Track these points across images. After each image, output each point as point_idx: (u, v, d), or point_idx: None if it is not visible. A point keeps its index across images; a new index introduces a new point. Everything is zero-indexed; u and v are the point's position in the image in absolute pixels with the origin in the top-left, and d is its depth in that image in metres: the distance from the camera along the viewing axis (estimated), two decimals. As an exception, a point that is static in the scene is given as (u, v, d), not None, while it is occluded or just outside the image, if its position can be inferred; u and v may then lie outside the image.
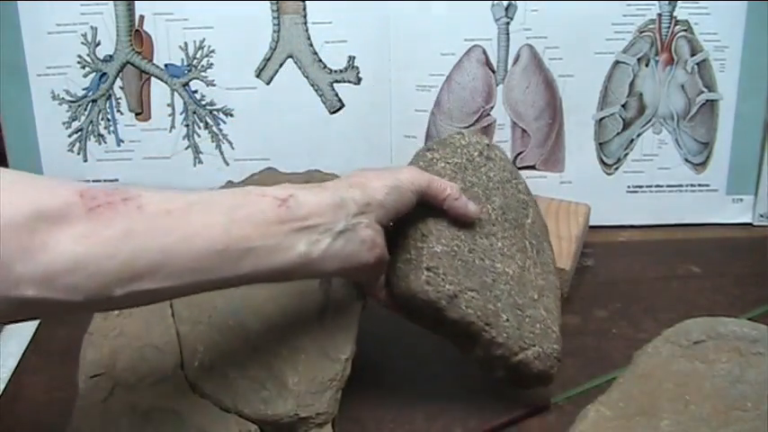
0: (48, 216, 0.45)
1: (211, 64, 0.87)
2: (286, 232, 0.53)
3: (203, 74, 0.88)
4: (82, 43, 0.86)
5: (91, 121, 0.89)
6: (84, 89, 0.88)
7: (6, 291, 0.44)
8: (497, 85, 0.89)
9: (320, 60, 0.88)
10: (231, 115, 0.89)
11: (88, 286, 0.46)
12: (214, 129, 0.90)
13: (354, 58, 0.88)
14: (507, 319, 0.63)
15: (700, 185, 0.93)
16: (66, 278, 0.45)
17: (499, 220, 0.67)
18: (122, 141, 0.90)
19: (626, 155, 0.93)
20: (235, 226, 0.51)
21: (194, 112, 0.89)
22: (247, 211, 0.52)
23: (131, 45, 0.87)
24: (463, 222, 0.64)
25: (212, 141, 0.90)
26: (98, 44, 0.87)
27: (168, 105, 0.89)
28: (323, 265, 0.55)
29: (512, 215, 0.68)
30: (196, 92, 0.88)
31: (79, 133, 0.89)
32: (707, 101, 0.91)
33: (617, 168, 0.93)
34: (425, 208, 0.63)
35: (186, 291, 0.51)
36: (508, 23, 0.87)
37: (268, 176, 0.78)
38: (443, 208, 0.63)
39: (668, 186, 0.93)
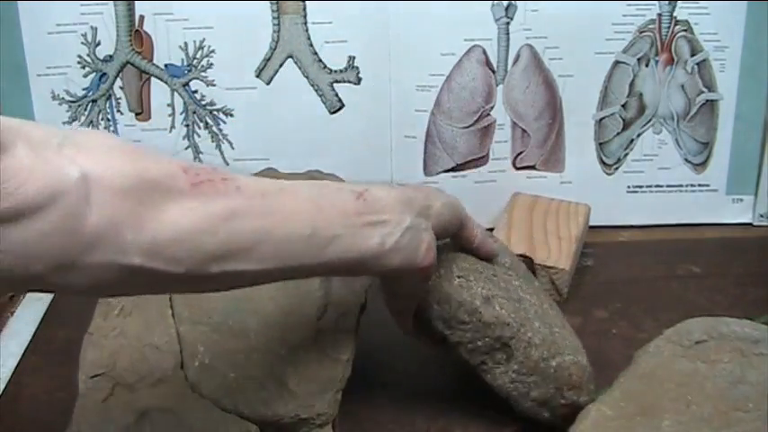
0: (155, 186, 0.45)
1: (211, 64, 0.87)
2: (363, 224, 0.54)
3: (203, 74, 0.88)
4: (82, 43, 0.86)
5: (91, 122, 0.89)
6: (84, 89, 0.88)
7: (114, 257, 0.43)
8: (497, 85, 0.89)
9: (320, 60, 0.88)
10: (231, 115, 0.89)
11: (189, 259, 0.46)
12: (214, 129, 0.89)
13: (354, 58, 0.88)
14: (539, 326, 0.63)
15: (700, 185, 0.94)
16: (170, 250, 0.45)
17: (511, 270, 0.68)
18: (122, 141, 0.90)
19: (626, 155, 0.93)
20: (321, 213, 0.52)
21: (194, 112, 0.89)
22: (330, 201, 0.53)
23: (131, 45, 0.87)
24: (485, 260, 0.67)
25: (212, 141, 0.90)
26: (98, 44, 0.86)
27: (168, 105, 0.89)
28: (389, 259, 0.55)
29: (521, 272, 0.69)
30: (196, 92, 0.88)
31: (79, 133, 0.89)
32: (707, 101, 0.91)
33: (617, 168, 0.93)
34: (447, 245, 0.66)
35: (273, 276, 0.51)
36: (508, 23, 0.87)
37: (269, 176, 0.77)
38: (474, 245, 0.65)
39: (668, 186, 0.93)
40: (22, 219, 0.40)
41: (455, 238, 0.65)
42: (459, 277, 0.63)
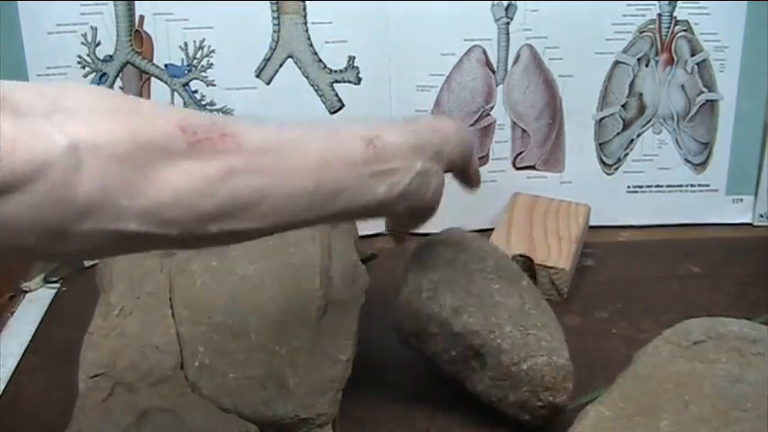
0: (150, 149, 0.43)
1: (211, 64, 0.87)
2: (371, 174, 0.53)
3: (203, 74, 0.88)
4: (82, 43, 0.86)
5: (91, 121, 0.89)
6: (84, 89, 0.88)
7: (107, 224, 0.42)
8: (497, 85, 0.89)
9: (320, 60, 0.88)
10: (231, 115, 0.89)
11: (186, 221, 0.45)
12: (214, 129, 0.89)
13: (354, 58, 0.88)
14: (511, 331, 0.63)
15: (700, 185, 0.94)
16: (166, 213, 0.44)
17: (492, 273, 0.68)
18: (122, 141, 0.90)
19: (626, 155, 0.93)
20: (326, 167, 0.50)
21: (194, 112, 0.89)
22: (338, 153, 0.51)
23: (131, 45, 0.87)
24: (461, 266, 0.67)
25: (212, 141, 0.90)
26: (98, 44, 0.86)
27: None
28: (395, 206, 0.55)
29: (505, 274, 0.68)
30: (196, 92, 0.88)
31: (79, 133, 0.89)
32: (707, 101, 0.91)
33: (617, 168, 0.93)
34: (422, 259, 0.68)
35: (274, 230, 0.50)
36: (508, 23, 0.87)
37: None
38: (471, 175, 0.66)
39: (668, 186, 0.93)
40: (10, 192, 0.39)
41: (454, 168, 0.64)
42: (428, 290, 0.65)
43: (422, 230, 0.92)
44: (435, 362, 0.66)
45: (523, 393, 0.63)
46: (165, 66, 0.88)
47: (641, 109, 0.91)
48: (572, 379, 0.64)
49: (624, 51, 0.89)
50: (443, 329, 0.64)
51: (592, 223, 0.90)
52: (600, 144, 0.92)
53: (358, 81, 0.88)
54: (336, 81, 0.88)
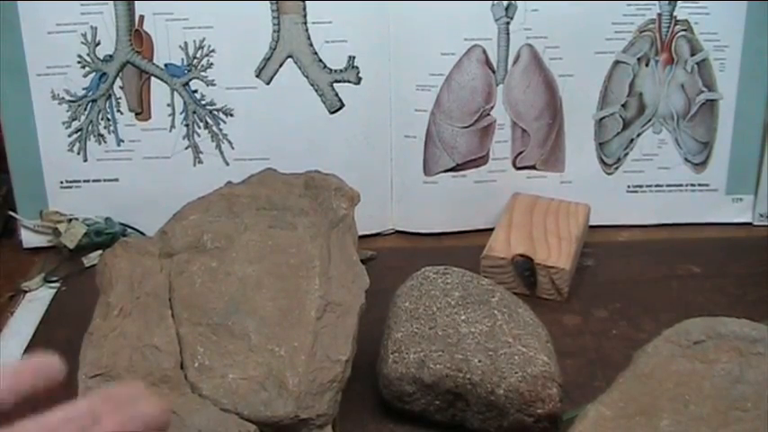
0: None
1: (211, 64, 0.87)
2: None
3: (203, 74, 0.88)
4: (82, 43, 0.86)
5: (91, 121, 0.89)
6: (84, 89, 0.88)
7: None
8: (497, 84, 0.89)
9: (320, 60, 0.88)
10: (231, 115, 0.89)
11: None
12: (214, 129, 0.89)
13: (354, 58, 0.88)
14: (479, 360, 0.63)
15: (700, 185, 0.94)
16: None
17: (459, 304, 0.68)
18: (122, 141, 0.90)
19: (626, 155, 0.93)
20: None
21: (194, 112, 0.89)
22: None
23: (131, 45, 0.87)
24: (423, 312, 0.67)
25: (212, 141, 0.90)
26: (98, 44, 0.86)
27: (168, 105, 0.89)
28: None
29: (473, 299, 0.68)
30: (196, 92, 0.88)
31: (79, 133, 0.89)
32: (707, 101, 0.91)
33: (617, 168, 0.93)
34: (387, 322, 0.69)
35: None
36: (508, 23, 0.87)
37: (268, 176, 0.78)
38: None
39: (668, 186, 0.93)
40: None
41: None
42: (393, 353, 0.65)
43: (424, 231, 0.92)
44: (427, 417, 0.66)
45: (514, 416, 0.63)
46: (165, 65, 0.88)
47: (641, 108, 0.91)
48: (554, 380, 0.63)
49: (624, 51, 0.89)
50: (417, 385, 0.64)
51: (592, 223, 0.90)
52: (600, 144, 0.92)
53: (358, 81, 0.88)
54: (336, 81, 0.88)
